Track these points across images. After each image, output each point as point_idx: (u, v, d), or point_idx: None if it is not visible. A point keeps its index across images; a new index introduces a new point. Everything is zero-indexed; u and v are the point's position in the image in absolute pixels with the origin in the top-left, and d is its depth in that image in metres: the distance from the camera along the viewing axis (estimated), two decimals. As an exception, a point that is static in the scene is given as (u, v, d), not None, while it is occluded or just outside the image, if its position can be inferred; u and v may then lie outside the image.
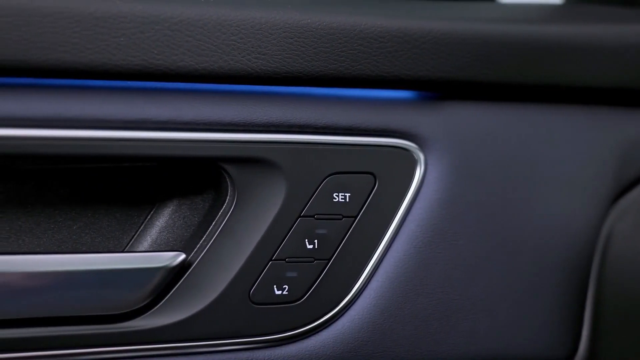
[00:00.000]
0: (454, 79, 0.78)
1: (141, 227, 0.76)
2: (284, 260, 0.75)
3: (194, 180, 0.76)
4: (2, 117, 0.67)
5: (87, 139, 0.69)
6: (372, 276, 0.78)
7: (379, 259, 0.78)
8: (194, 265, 0.73)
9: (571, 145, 0.83)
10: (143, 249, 0.76)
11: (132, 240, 0.76)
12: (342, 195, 0.76)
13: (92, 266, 0.71)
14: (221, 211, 0.74)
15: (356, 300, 0.78)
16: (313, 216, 0.75)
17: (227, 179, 0.74)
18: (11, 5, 0.65)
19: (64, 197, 0.74)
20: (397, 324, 0.79)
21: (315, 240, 0.76)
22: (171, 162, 0.72)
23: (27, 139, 0.68)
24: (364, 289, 0.78)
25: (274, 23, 0.72)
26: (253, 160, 0.73)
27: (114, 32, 0.68)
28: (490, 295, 0.81)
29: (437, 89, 0.79)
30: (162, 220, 0.76)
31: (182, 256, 0.72)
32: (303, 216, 0.75)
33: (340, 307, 0.78)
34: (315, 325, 0.77)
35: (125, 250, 0.76)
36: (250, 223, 0.74)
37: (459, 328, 0.81)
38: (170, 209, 0.76)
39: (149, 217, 0.76)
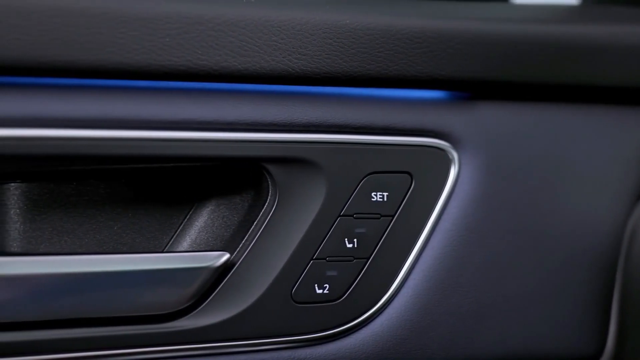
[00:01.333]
0: (484, 79, 0.79)
1: (180, 227, 0.77)
2: (325, 259, 0.75)
3: (232, 180, 0.76)
4: (49, 118, 0.67)
5: (132, 140, 0.69)
6: (409, 274, 0.79)
7: (416, 258, 0.79)
8: (237, 264, 0.74)
9: (596, 144, 0.84)
10: (182, 249, 0.76)
11: (172, 240, 0.76)
12: (380, 195, 0.77)
13: (138, 266, 0.71)
14: (262, 211, 0.74)
15: (394, 298, 0.78)
16: (352, 215, 0.76)
17: (268, 179, 0.74)
18: (59, 6, 0.66)
19: (105, 198, 0.74)
20: (433, 322, 0.79)
21: (355, 239, 0.76)
22: (215, 162, 0.73)
23: (73, 140, 0.68)
24: (401, 288, 0.79)
25: (315, 23, 0.73)
26: (294, 160, 0.74)
27: (159, 32, 0.68)
28: (520, 293, 0.82)
29: (468, 89, 0.80)
30: (201, 220, 0.77)
31: (226, 256, 0.73)
32: (343, 215, 0.76)
33: (379, 306, 0.78)
34: (355, 324, 0.78)
35: (165, 250, 0.76)
36: (292, 222, 0.75)
37: (492, 326, 0.81)
38: (208, 209, 0.77)
39: (187, 217, 0.77)
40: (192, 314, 0.73)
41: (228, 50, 0.71)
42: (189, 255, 0.73)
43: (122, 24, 0.67)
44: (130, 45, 0.68)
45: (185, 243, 0.76)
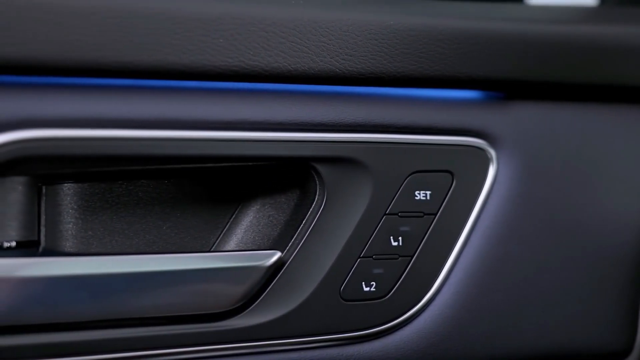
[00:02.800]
0: (520, 79, 0.81)
1: (226, 227, 0.77)
2: (371, 257, 0.77)
3: (277, 180, 0.77)
4: (104, 118, 0.67)
5: (184, 140, 0.70)
6: (451, 272, 0.80)
7: (457, 255, 0.80)
8: (288, 263, 0.75)
9: (628, 143, 0.86)
10: (229, 249, 0.77)
11: (218, 239, 0.77)
12: (423, 193, 0.78)
13: (192, 265, 0.72)
14: (311, 210, 0.75)
15: (437, 295, 0.80)
16: (397, 214, 0.77)
17: (316, 178, 0.75)
18: (117, 7, 0.66)
19: (154, 198, 0.75)
20: (474, 319, 0.81)
21: (400, 238, 0.77)
22: (265, 161, 0.73)
23: (127, 140, 0.68)
24: (443, 285, 0.80)
25: (360, 24, 0.74)
26: (342, 160, 0.75)
27: (213, 33, 0.69)
28: (557, 290, 0.83)
29: (503, 89, 0.82)
30: (246, 220, 0.77)
31: (278, 254, 0.74)
32: (388, 214, 0.77)
33: (423, 303, 0.79)
34: (401, 321, 0.79)
35: (211, 249, 0.77)
36: (340, 221, 0.76)
37: (530, 323, 0.83)
38: (254, 209, 0.78)
39: (233, 216, 0.77)
40: (244, 312, 0.74)
41: (279, 51, 0.72)
42: (241, 254, 0.74)
43: (179, 25, 0.68)
44: (186, 46, 0.69)
45: (232, 242, 0.77)
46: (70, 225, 0.72)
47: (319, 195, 0.76)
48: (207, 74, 0.70)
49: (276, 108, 0.73)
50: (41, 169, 0.68)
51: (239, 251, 0.76)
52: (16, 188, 0.68)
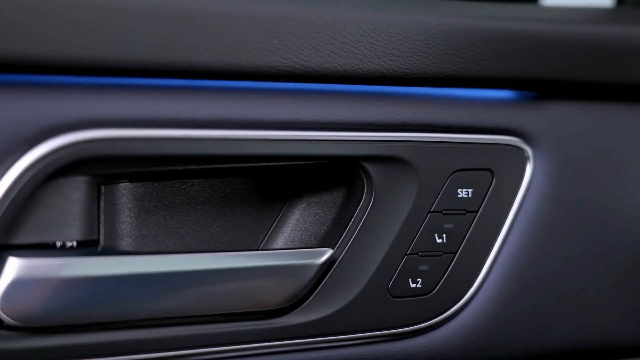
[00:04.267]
0: (554, 78, 0.83)
1: (274, 226, 0.78)
2: (417, 254, 0.78)
3: (324, 178, 0.78)
4: (162, 118, 0.68)
5: (240, 139, 0.71)
6: (492, 268, 0.82)
7: (497, 252, 0.82)
8: (338, 261, 0.76)
9: None
10: (277, 247, 0.78)
11: (266, 238, 0.78)
12: (465, 191, 0.80)
13: (246, 263, 0.73)
14: (359, 208, 0.77)
15: (479, 292, 0.81)
16: (441, 211, 0.79)
17: (364, 177, 0.76)
18: (175, 8, 0.67)
19: (205, 197, 0.76)
20: (514, 314, 0.83)
21: (444, 235, 0.79)
22: (315, 160, 0.75)
23: (183, 140, 0.69)
24: (484, 281, 0.81)
25: (407, 25, 0.76)
26: (390, 159, 0.76)
27: (268, 34, 0.70)
28: (592, 285, 0.85)
29: (536, 89, 0.84)
30: (293, 218, 0.79)
31: (330, 252, 0.75)
32: (432, 211, 0.79)
33: (466, 299, 0.81)
34: (445, 317, 0.80)
35: (260, 248, 0.78)
36: (387, 219, 0.77)
37: (566, 318, 0.85)
38: (300, 207, 0.79)
39: (280, 215, 0.79)
40: (297, 309, 0.75)
41: (330, 52, 0.73)
42: (294, 251, 0.75)
43: (236, 25, 0.69)
44: (243, 47, 0.70)
45: (280, 241, 0.78)
46: (127, 225, 0.73)
47: (366, 194, 0.77)
48: (262, 74, 0.71)
49: (327, 108, 0.74)
50: (102, 168, 0.68)
51: (291, 249, 0.76)
52: (79, 188, 0.69)
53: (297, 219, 0.79)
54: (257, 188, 0.79)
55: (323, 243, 0.78)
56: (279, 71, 0.71)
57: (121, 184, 0.72)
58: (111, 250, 0.72)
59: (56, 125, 0.64)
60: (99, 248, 0.71)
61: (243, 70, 0.70)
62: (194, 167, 0.72)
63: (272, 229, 0.78)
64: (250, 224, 0.78)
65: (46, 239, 0.69)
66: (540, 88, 0.84)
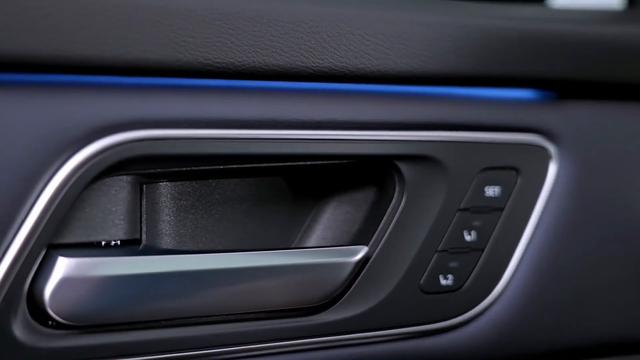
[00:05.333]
0: (574, 78, 0.85)
1: (306, 224, 0.79)
2: (447, 251, 0.79)
3: (355, 177, 0.79)
4: (205, 118, 0.69)
5: (280, 139, 0.72)
6: (518, 265, 0.83)
7: (523, 249, 0.83)
8: (372, 258, 0.77)
9: None
10: (310, 245, 0.79)
11: (299, 236, 0.79)
12: (492, 189, 0.81)
13: (283, 261, 0.74)
14: (391, 206, 0.78)
15: (506, 288, 0.83)
16: (469, 209, 0.80)
17: (395, 176, 0.78)
18: (217, 8, 0.68)
19: (240, 196, 0.77)
20: (540, 310, 0.84)
21: (472, 232, 0.80)
22: (350, 159, 0.76)
23: (226, 140, 0.70)
24: (512, 278, 0.83)
25: (437, 26, 0.77)
26: (421, 158, 0.78)
27: (306, 35, 0.72)
28: (614, 281, 0.87)
29: (558, 89, 0.86)
30: (325, 217, 0.80)
31: (365, 249, 0.76)
32: (461, 209, 0.80)
33: (494, 295, 0.82)
34: (475, 313, 0.82)
35: (294, 246, 0.79)
36: (419, 216, 0.78)
37: (589, 313, 0.87)
38: (332, 206, 0.80)
39: (312, 214, 0.80)
40: (334, 306, 0.76)
41: (364, 53, 0.74)
42: (330, 249, 0.76)
43: (275, 26, 0.70)
44: (282, 48, 0.71)
45: (312, 239, 0.79)
46: (166, 223, 0.73)
47: (398, 192, 0.78)
48: (300, 74, 0.72)
49: (361, 108, 0.75)
50: (146, 168, 0.69)
51: (326, 247, 0.78)
52: (124, 187, 0.70)
53: (329, 218, 0.80)
54: (290, 187, 0.79)
55: (355, 241, 0.79)
56: (316, 71, 0.72)
57: (161, 183, 0.73)
58: (152, 249, 0.72)
59: (105, 125, 0.65)
60: (140, 247, 0.72)
61: (282, 71, 0.71)
62: (233, 166, 0.72)
63: (304, 227, 0.79)
64: (283, 222, 0.79)
65: (92, 238, 0.69)
66: (560, 88, 0.86)
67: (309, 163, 0.75)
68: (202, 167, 0.72)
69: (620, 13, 1.04)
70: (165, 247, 0.73)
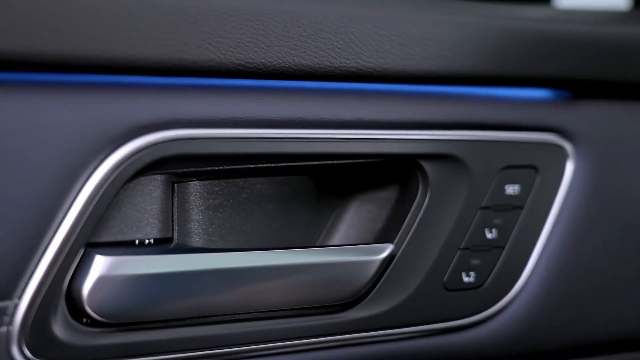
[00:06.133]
0: (591, 78, 0.86)
1: (330, 222, 0.80)
2: (469, 248, 0.81)
3: (378, 176, 0.80)
4: (237, 118, 0.70)
5: (306, 138, 0.73)
6: (537, 262, 0.84)
7: (542, 247, 0.85)
8: (397, 256, 0.78)
9: None
10: (335, 243, 0.80)
11: (323, 235, 0.80)
12: (512, 188, 0.83)
13: (311, 259, 0.75)
14: (415, 204, 0.79)
15: (526, 285, 0.84)
16: (490, 207, 0.81)
17: (419, 175, 0.79)
18: (249, 9, 0.69)
19: (267, 195, 0.78)
20: (559, 306, 0.86)
21: (493, 230, 0.82)
22: (376, 158, 0.77)
23: (258, 139, 0.71)
24: (531, 275, 0.84)
25: (460, 25, 0.78)
26: (445, 157, 0.79)
27: (334, 35, 0.72)
28: (630, 278, 0.89)
29: (572, 88, 0.87)
30: (348, 215, 0.81)
31: (391, 247, 0.77)
32: (483, 207, 0.81)
33: (515, 292, 0.84)
34: (496, 309, 0.83)
35: (319, 244, 0.80)
36: (442, 215, 0.79)
37: (608, 309, 0.88)
38: (355, 204, 0.81)
39: (336, 212, 0.81)
40: (361, 304, 0.77)
41: (389, 53, 0.75)
42: (356, 247, 0.77)
43: (303, 27, 0.71)
44: (310, 48, 0.72)
45: (337, 237, 0.80)
46: (195, 222, 0.74)
47: (421, 191, 0.79)
48: (328, 74, 0.73)
49: (386, 107, 0.76)
50: (179, 167, 0.70)
51: (352, 245, 0.78)
52: (158, 186, 0.71)
53: (352, 216, 0.81)
54: (314, 186, 0.80)
55: (379, 239, 0.80)
56: (343, 71, 0.73)
57: (191, 182, 0.74)
58: (183, 247, 0.73)
59: (141, 125, 0.65)
60: (172, 245, 0.73)
61: (310, 71, 0.72)
62: (261, 165, 0.73)
63: (328, 225, 0.80)
64: (308, 221, 0.80)
65: (127, 236, 0.70)
66: (575, 87, 0.87)
67: (335, 162, 0.76)
68: (232, 167, 0.73)
69: (628, 14, 1.06)
70: (195, 245, 0.74)
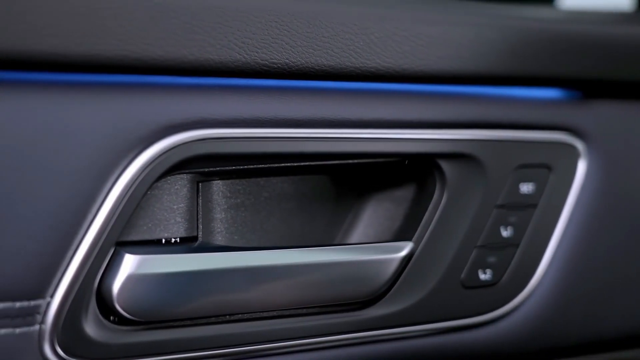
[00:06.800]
0: (600, 78, 0.87)
1: (348, 221, 0.81)
2: (485, 246, 0.82)
3: (395, 175, 0.81)
4: (262, 117, 0.71)
5: (328, 138, 0.74)
6: (551, 260, 0.86)
7: (556, 245, 0.86)
8: (416, 254, 0.79)
9: None
10: (353, 242, 0.81)
11: (342, 233, 0.81)
12: (526, 186, 0.84)
13: (335, 258, 0.75)
14: (432, 203, 0.80)
15: (541, 282, 0.85)
16: (505, 205, 0.82)
17: (437, 174, 0.80)
18: (275, 10, 0.70)
19: (287, 194, 0.79)
20: (572, 302, 0.87)
21: (508, 228, 0.83)
22: (395, 158, 0.78)
23: (278, 139, 0.72)
24: (545, 272, 0.85)
25: (476, 26, 0.79)
26: (462, 156, 0.80)
27: (354, 36, 0.73)
28: None
29: (582, 88, 0.88)
30: (366, 214, 0.82)
31: (411, 245, 0.78)
32: (498, 206, 0.82)
33: (530, 289, 0.85)
34: (512, 307, 0.84)
35: (337, 243, 0.81)
36: (459, 213, 0.80)
37: (620, 306, 0.89)
38: (372, 203, 0.82)
39: (353, 211, 0.82)
40: (381, 301, 0.78)
41: (408, 53, 0.76)
42: (376, 245, 0.78)
43: (327, 27, 0.72)
44: (332, 49, 0.72)
45: (355, 236, 0.81)
46: (218, 221, 0.75)
47: (438, 189, 0.80)
48: (349, 75, 0.74)
49: (406, 107, 0.77)
50: (204, 166, 0.70)
51: (372, 243, 0.79)
52: (184, 185, 0.71)
53: (370, 215, 0.82)
54: (333, 185, 0.81)
55: (397, 237, 0.81)
56: (363, 72, 0.74)
57: (214, 181, 0.74)
58: (207, 246, 0.74)
59: (169, 124, 0.66)
60: (196, 244, 0.73)
61: (333, 71, 0.73)
62: (283, 164, 0.74)
63: (347, 224, 0.81)
64: (327, 219, 0.81)
65: (154, 235, 0.70)
66: (585, 87, 0.88)
67: (354, 161, 0.77)
68: (255, 166, 0.73)
69: (633, 15, 1.07)
70: (218, 244, 0.75)
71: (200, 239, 0.74)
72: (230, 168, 0.72)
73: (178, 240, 0.72)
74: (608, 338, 0.90)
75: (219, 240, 0.75)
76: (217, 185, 0.75)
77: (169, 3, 0.65)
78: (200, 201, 0.73)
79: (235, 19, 0.68)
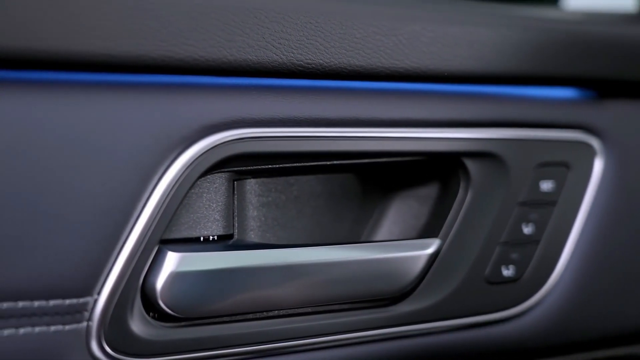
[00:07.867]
0: (615, 78, 0.89)
1: (374, 219, 0.83)
2: (508, 243, 0.83)
3: (420, 174, 0.83)
4: (296, 117, 0.72)
5: (361, 137, 0.75)
6: (571, 256, 0.87)
7: (575, 241, 0.88)
8: (442, 251, 0.80)
9: None
10: (379, 239, 0.82)
11: (368, 230, 0.83)
12: (546, 184, 0.85)
13: (363, 255, 0.77)
14: (457, 201, 0.81)
15: (561, 277, 0.87)
16: (527, 203, 0.84)
17: (461, 172, 0.81)
18: (309, 10, 0.71)
19: (316, 193, 0.80)
20: (591, 298, 0.89)
21: (529, 224, 0.85)
22: (422, 156, 0.79)
23: (312, 138, 0.73)
24: (565, 268, 0.87)
25: (500, 26, 0.81)
26: (486, 155, 0.81)
27: (384, 37, 0.75)
28: None
29: (597, 88, 0.90)
30: (391, 212, 0.83)
31: (438, 242, 0.80)
32: (520, 203, 0.84)
33: (550, 284, 0.86)
34: (534, 302, 0.86)
35: (363, 240, 0.82)
36: (483, 210, 0.82)
37: (635, 301, 0.91)
38: (397, 201, 0.83)
39: (379, 209, 0.83)
40: (409, 297, 0.79)
41: (435, 54, 0.78)
42: (405, 242, 0.79)
43: (359, 28, 0.73)
44: (364, 49, 0.74)
45: (381, 233, 0.83)
46: (251, 219, 0.76)
47: (463, 188, 0.82)
48: (379, 75, 0.75)
49: (432, 107, 0.79)
50: (242, 165, 0.72)
51: (402, 240, 0.81)
52: (222, 184, 0.72)
53: (395, 212, 0.83)
54: (359, 183, 0.83)
55: (422, 234, 0.82)
56: (392, 72, 0.76)
57: (248, 179, 0.76)
58: (242, 244, 0.75)
59: (210, 124, 0.67)
60: (231, 241, 0.75)
61: (363, 72, 0.74)
62: (315, 163, 0.75)
63: (373, 222, 0.83)
64: (353, 217, 0.82)
65: (194, 233, 0.72)
66: (600, 87, 0.90)
67: (383, 160, 0.78)
68: (288, 164, 0.75)
69: (637, 15, 1.10)
70: (251, 241, 0.76)
71: (235, 236, 0.75)
72: (265, 167, 0.73)
73: (216, 237, 0.73)
74: (629, 332, 0.92)
75: (252, 237, 0.76)
76: (250, 184, 0.76)
77: (210, 5, 0.66)
78: (235, 199, 0.74)
79: (272, 20, 0.69)
